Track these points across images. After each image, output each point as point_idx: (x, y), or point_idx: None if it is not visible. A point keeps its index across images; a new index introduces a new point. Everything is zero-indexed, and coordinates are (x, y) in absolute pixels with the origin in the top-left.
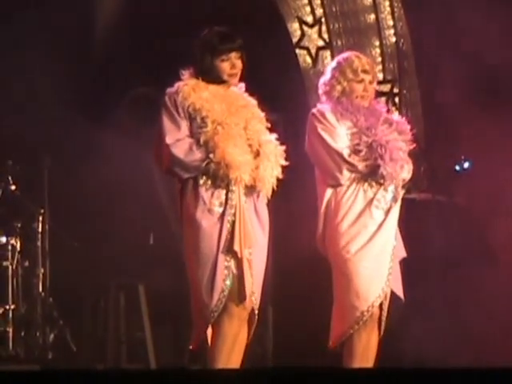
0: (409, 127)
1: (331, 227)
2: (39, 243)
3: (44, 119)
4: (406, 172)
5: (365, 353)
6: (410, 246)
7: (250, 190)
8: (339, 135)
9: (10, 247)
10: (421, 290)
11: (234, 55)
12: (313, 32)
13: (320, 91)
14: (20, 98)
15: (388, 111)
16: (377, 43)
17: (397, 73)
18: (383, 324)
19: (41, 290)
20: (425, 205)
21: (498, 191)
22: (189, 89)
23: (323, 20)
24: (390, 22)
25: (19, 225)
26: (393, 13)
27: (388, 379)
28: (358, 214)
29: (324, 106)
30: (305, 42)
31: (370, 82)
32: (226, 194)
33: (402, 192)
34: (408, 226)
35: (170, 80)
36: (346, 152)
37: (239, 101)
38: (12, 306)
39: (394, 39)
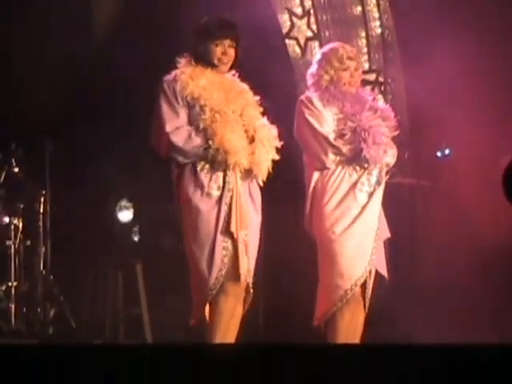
0: (393, 114)
1: (317, 209)
2: (41, 223)
3: (46, 103)
4: (391, 157)
5: (350, 331)
6: (395, 229)
7: (247, 173)
8: (325, 120)
9: (12, 227)
10: (406, 271)
11: (227, 42)
12: (302, 23)
13: (309, 82)
14: (21, 83)
15: (374, 99)
16: (363, 34)
17: (382, 63)
18: (367, 302)
19: (42, 268)
20: (409, 189)
21: (479, 177)
22: (187, 77)
23: (312, 12)
24: (376, 14)
25: (22, 206)
26: (378, 5)
27: (375, 355)
28: (342, 196)
29: (312, 94)
30: (294, 33)
31: (356, 69)
32: (224, 178)
33: (385, 176)
34: (393, 210)
35: None
36: (331, 136)
37: (235, 87)
38: (14, 283)
39: (379, 30)
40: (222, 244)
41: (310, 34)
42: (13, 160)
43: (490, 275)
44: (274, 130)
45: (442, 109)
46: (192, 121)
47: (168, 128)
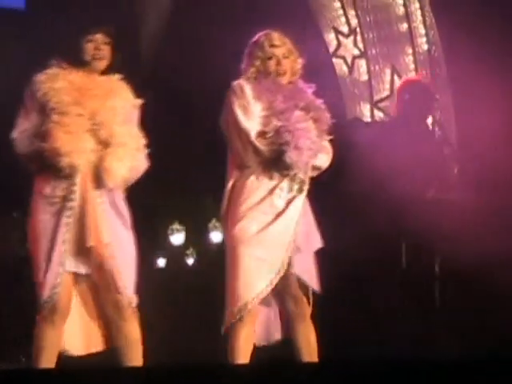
0: (328, 116)
1: (231, 210)
2: None
3: None
4: (321, 160)
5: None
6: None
7: (100, 183)
8: (253, 113)
9: None
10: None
11: (100, 38)
12: (348, 42)
13: (241, 66)
14: None
15: (315, 92)
16: (410, 51)
17: (429, 79)
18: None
19: None
20: (457, 204)
21: None
22: (44, 78)
23: (358, 30)
24: (422, 31)
25: None
26: (424, 22)
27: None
28: (258, 200)
29: (245, 81)
30: (341, 52)
31: (285, 56)
32: (69, 187)
33: (307, 182)
34: (443, 227)
35: None
36: (253, 133)
37: (98, 90)
38: None
39: (426, 47)
40: (59, 259)
41: (356, 52)
42: None
43: None
44: (140, 140)
45: (491, 123)
46: (40, 125)
47: (14, 134)
